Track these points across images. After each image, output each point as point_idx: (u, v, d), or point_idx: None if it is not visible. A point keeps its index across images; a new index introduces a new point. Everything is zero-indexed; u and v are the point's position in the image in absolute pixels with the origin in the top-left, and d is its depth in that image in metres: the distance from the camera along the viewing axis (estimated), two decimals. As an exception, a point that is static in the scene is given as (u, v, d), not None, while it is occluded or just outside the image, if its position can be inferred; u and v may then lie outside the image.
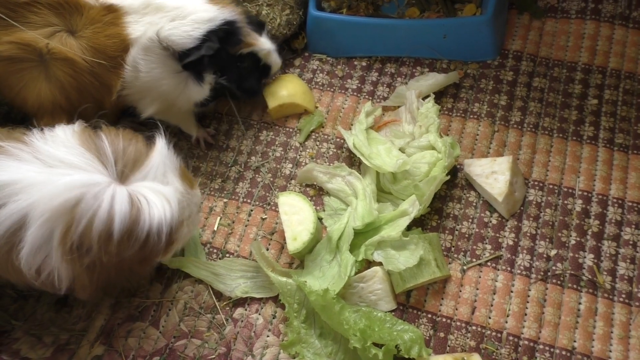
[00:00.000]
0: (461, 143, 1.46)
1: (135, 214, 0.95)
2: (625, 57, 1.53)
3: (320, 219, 1.38)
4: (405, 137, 1.41)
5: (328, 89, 1.61)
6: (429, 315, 1.25)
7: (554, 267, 1.27)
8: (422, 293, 1.27)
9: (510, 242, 1.31)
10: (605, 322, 1.20)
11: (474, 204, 1.37)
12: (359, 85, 1.60)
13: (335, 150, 1.50)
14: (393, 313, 1.24)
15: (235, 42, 1.35)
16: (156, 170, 1.01)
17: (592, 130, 1.44)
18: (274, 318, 1.28)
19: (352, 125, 1.52)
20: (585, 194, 1.36)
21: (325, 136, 1.53)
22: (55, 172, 0.95)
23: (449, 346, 1.21)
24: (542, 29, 1.62)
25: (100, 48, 1.26)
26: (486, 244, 1.32)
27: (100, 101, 1.33)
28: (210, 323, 1.28)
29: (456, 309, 1.25)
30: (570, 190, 1.36)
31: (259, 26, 1.45)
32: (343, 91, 1.60)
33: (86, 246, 0.94)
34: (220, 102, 1.54)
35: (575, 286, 1.24)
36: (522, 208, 1.35)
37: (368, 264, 1.29)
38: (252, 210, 1.43)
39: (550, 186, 1.37)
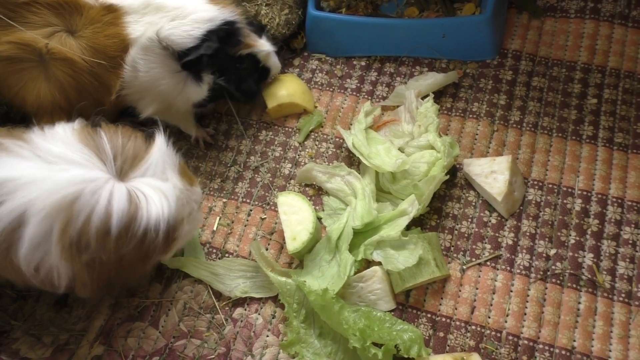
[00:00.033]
0: (460, 142, 1.46)
1: (133, 210, 0.95)
2: (624, 57, 1.53)
3: (319, 219, 1.38)
4: (404, 137, 1.41)
5: (327, 88, 1.61)
6: (429, 315, 1.24)
7: (553, 267, 1.27)
8: (421, 293, 1.27)
9: (510, 242, 1.31)
10: (604, 321, 1.20)
11: (473, 204, 1.37)
12: (358, 84, 1.60)
13: (334, 150, 1.50)
14: (392, 313, 1.24)
15: (235, 43, 1.35)
16: (155, 167, 1.01)
17: (592, 129, 1.44)
18: (273, 318, 1.28)
19: (351, 124, 1.51)
20: (585, 193, 1.36)
21: (325, 136, 1.53)
22: (54, 168, 0.95)
23: (448, 346, 1.21)
24: (541, 28, 1.62)
25: (99, 48, 1.26)
26: (485, 243, 1.32)
27: (100, 101, 1.33)
28: (209, 323, 1.28)
29: (455, 309, 1.25)
30: (569, 190, 1.36)
31: (259, 28, 1.45)
32: (342, 91, 1.60)
33: (84, 242, 0.94)
34: (220, 102, 1.54)
35: (574, 285, 1.24)
36: (521, 207, 1.35)
37: (367, 263, 1.29)
38: (251, 210, 1.43)
39: (550, 185, 1.37)
